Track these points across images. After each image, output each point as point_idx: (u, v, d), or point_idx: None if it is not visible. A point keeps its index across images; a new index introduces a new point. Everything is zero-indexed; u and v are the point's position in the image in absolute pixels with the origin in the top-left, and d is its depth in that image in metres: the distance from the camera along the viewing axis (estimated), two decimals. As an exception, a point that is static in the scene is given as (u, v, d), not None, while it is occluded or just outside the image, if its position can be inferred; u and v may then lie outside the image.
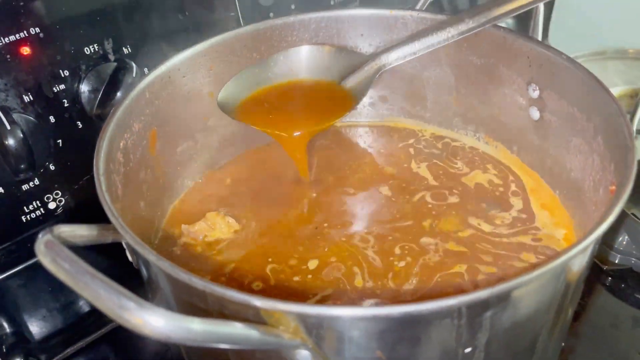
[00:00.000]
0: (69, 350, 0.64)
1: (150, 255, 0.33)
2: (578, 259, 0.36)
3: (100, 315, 0.69)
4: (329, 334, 0.31)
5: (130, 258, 0.43)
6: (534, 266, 0.46)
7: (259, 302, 0.30)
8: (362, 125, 0.66)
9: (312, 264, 0.48)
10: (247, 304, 0.31)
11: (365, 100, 0.65)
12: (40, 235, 0.31)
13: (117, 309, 0.27)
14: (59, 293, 0.67)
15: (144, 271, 0.40)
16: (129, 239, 0.34)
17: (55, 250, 0.29)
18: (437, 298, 0.29)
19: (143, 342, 0.66)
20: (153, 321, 0.27)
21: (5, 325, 0.64)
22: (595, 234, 0.33)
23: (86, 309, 0.68)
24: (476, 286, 0.45)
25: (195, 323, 0.28)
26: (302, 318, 0.31)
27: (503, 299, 0.32)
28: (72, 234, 0.33)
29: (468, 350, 0.33)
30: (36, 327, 0.65)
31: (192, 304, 0.34)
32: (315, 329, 0.31)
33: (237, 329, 0.29)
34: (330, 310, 0.31)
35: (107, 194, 0.38)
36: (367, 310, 0.30)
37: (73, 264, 0.28)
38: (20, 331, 0.64)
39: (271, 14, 0.70)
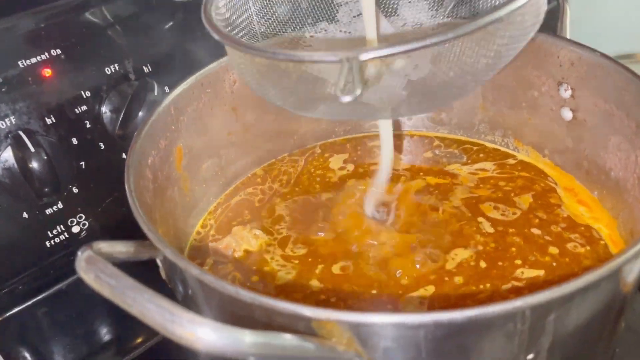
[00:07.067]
0: (93, 380, 0.63)
1: (194, 269, 0.31)
2: None
3: (123, 344, 0.68)
4: (384, 343, 0.30)
5: (163, 275, 0.41)
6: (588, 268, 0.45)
7: (310, 312, 0.29)
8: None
9: (346, 269, 0.47)
10: (298, 314, 0.29)
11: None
12: (79, 252, 0.29)
13: (167, 323, 0.25)
14: (82, 321, 0.65)
15: (179, 288, 0.38)
16: (168, 254, 0.33)
17: (99, 267, 0.28)
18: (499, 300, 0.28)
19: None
20: (204, 334, 0.26)
21: (28, 354, 0.62)
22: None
23: (109, 337, 0.66)
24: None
25: (247, 335, 0.27)
26: (357, 328, 0.29)
27: (568, 299, 0.30)
28: (111, 250, 0.32)
29: (530, 356, 0.31)
30: (60, 357, 0.64)
31: (237, 319, 0.32)
32: (370, 339, 0.30)
33: (290, 341, 0.28)
34: (388, 317, 0.29)
35: (141, 209, 0.37)
36: (427, 315, 0.28)
37: (119, 280, 0.27)
38: (44, 361, 0.63)
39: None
